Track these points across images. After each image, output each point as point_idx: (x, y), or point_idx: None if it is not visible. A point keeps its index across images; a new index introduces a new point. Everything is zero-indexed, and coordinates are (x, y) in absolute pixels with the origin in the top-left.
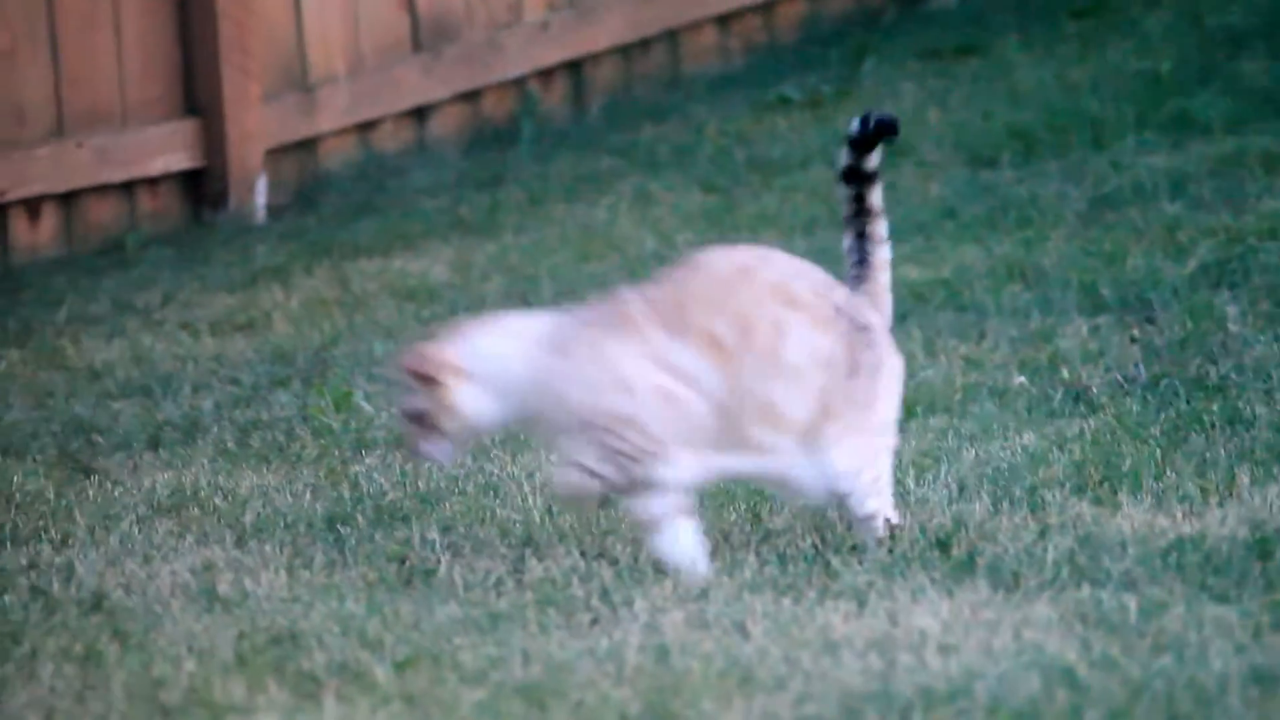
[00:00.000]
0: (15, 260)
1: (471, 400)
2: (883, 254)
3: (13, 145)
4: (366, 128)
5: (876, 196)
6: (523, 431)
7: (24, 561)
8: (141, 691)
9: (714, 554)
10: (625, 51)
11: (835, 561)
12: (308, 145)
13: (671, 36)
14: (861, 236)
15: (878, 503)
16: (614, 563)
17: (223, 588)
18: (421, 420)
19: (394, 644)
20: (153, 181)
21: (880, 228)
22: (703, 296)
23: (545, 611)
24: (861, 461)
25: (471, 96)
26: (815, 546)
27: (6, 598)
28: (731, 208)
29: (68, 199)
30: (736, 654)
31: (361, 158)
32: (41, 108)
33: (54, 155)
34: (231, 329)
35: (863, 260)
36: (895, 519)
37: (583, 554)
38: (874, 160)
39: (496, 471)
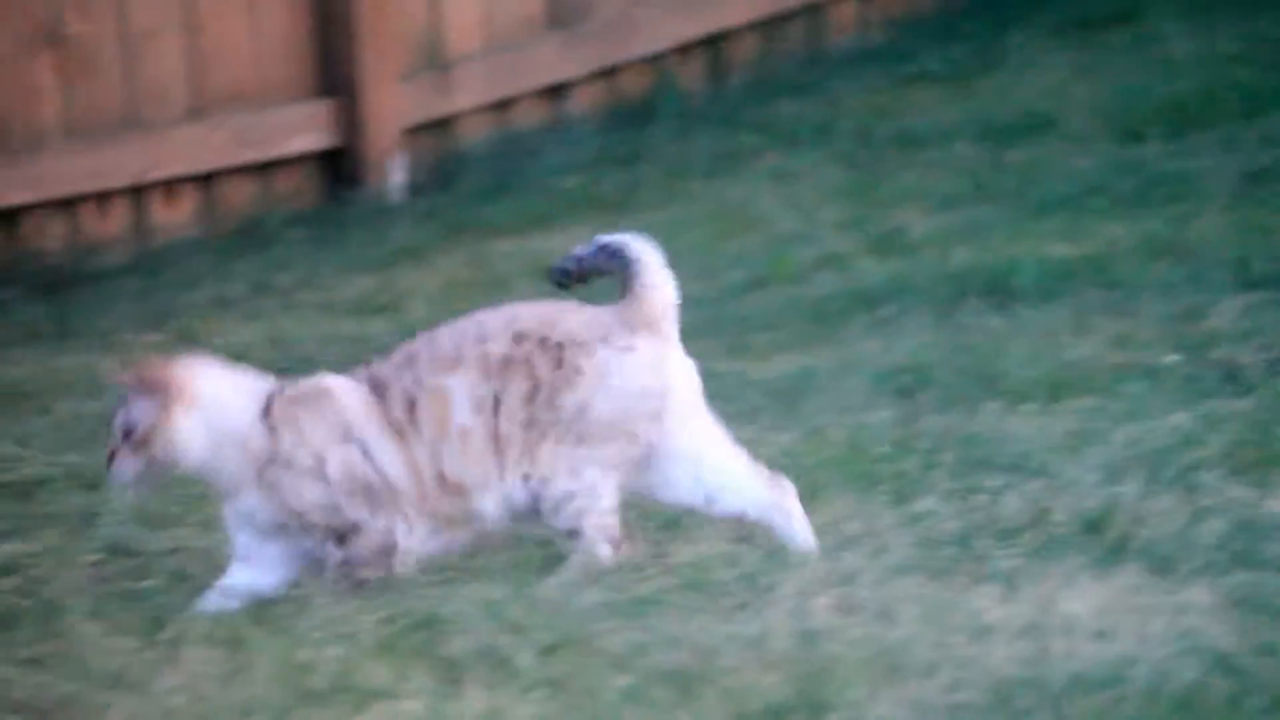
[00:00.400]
0: (154, 242)
1: (188, 434)
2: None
3: (152, 127)
4: (503, 106)
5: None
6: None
7: (168, 545)
8: (287, 676)
9: (859, 538)
10: (764, 26)
11: (983, 545)
12: (444, 124)
13: (811, 10)
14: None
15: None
16: (759, 547)
17: (365, 573)
18: (129, 435)
19: (538, 629)
20: (289, 162)
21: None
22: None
23: (690, 596)
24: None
25: (608, 73)
26: (963, 530)
27: (151, 581)
28: (872, 183)
29: (205, 180)
30: (885, 640)
31: (498, 136)
32: (180, 89)
33: (192, 137)
34: (370, 310)
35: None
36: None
37: (727, 538)
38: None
39: None
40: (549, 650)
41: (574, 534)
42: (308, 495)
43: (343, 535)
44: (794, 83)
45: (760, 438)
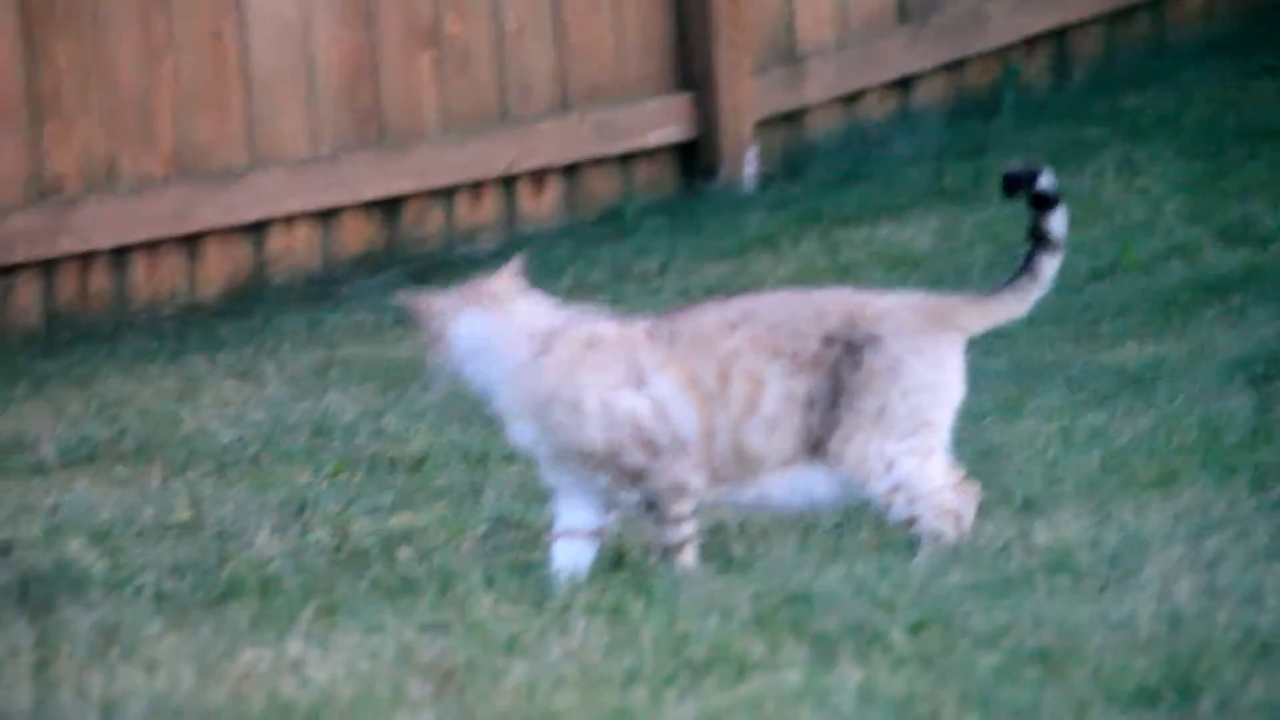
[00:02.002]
0: (521, 230)
1: (447, 354)
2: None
3: (520, 120)
4: (851, 99)
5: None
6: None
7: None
8: (668, 646)
9: (1221, 523)
10: (1109, 19)
11: None
12: (794, 116)
13: (1157, 2)
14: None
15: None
16: (1122, 528)
17: (736, 550)
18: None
19: (906, 606)
20: (648, 153)
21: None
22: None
23: (1054, 577)
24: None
25: (954, 66)
26: None
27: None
28: (1219, 176)
29: (569, 171)
30: (1255, 624)
31: (845, 128)
32: (547, 84)
33: (557, 129)
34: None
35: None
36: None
37: (1088, 520)
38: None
39: (993, 438)
40: (918, 627)
41: (911, 522)
42: (592, 438)
43: (632, 479)
44: (1139, 75)
45: (1113, 424)
